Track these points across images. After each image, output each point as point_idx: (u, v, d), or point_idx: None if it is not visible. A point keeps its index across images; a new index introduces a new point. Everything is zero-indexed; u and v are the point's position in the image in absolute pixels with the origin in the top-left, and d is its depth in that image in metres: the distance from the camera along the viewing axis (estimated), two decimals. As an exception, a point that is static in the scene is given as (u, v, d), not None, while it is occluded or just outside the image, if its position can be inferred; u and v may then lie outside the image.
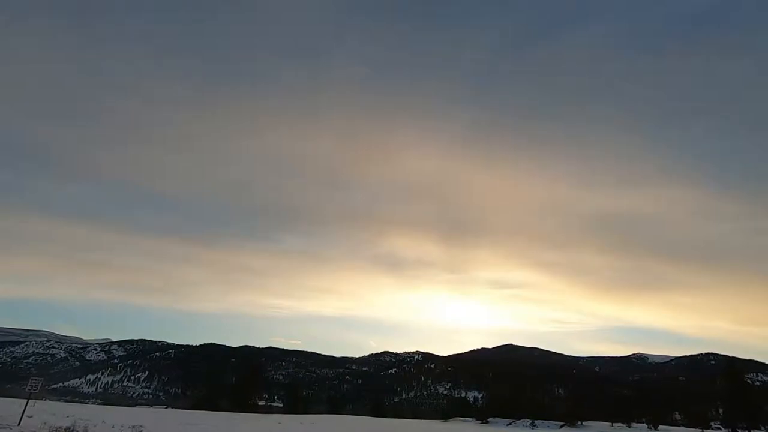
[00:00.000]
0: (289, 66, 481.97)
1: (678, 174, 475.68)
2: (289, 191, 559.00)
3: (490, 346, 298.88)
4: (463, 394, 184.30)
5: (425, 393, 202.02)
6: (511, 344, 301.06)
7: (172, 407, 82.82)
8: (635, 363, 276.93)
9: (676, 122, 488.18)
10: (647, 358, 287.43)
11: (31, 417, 21.44)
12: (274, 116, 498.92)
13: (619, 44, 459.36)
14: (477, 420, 61.11)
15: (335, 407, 76.75)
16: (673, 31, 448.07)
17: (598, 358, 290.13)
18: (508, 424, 56.09)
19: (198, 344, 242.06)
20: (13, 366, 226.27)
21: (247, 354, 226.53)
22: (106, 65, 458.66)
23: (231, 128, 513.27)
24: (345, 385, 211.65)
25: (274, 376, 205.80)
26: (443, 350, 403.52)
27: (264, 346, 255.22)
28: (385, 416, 70.54)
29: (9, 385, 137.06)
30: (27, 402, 21.89)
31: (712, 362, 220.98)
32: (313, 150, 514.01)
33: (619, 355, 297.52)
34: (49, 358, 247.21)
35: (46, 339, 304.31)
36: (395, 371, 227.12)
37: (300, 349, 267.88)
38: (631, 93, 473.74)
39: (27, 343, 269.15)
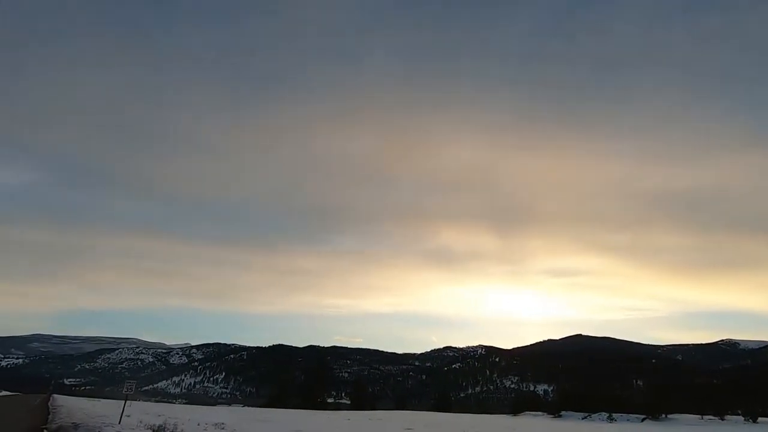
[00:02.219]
0: (328, 68, 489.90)
1: (762, 140, 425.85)
2: (337, 192, 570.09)
3: (557, 338, 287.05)
4: (531, 388, 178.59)
5: (491, 387, 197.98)
6: (579, 335, 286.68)
7: (248, 405, 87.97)
8: (724, 350, 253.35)
9: (756, 82, 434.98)
10: (738, 344, 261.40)
11: (129, 416, 23.75)
12: (317, 118, 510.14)
13: (681, 1, 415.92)
14: (548, 414, 58.99)
15: (401, 403, 77.47)
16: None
17: (680, 346, 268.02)
18: (583, 418, 53.62)
19: (267, 345, 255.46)
20: (110, 371, 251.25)
21: (313, 353, 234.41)
22: (159, 82, 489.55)
23: (277, 133, 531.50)
24: (409, 381, 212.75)
25: (340, 374, 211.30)
26: (506, 343, 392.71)
27: (328, 345, 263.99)
28: (452, 411, 70.06)
29: (108, 388, 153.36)
30: (125, 403, 24.31)
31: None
32: (357, 149, 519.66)
33: (704, 342, 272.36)
34: (139, 362, 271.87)
35: (135, 345, 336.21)
36: (459, 366, 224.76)
37: (362, 346, 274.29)
38: (699, 54, 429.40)
39: (120, 349, 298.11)
